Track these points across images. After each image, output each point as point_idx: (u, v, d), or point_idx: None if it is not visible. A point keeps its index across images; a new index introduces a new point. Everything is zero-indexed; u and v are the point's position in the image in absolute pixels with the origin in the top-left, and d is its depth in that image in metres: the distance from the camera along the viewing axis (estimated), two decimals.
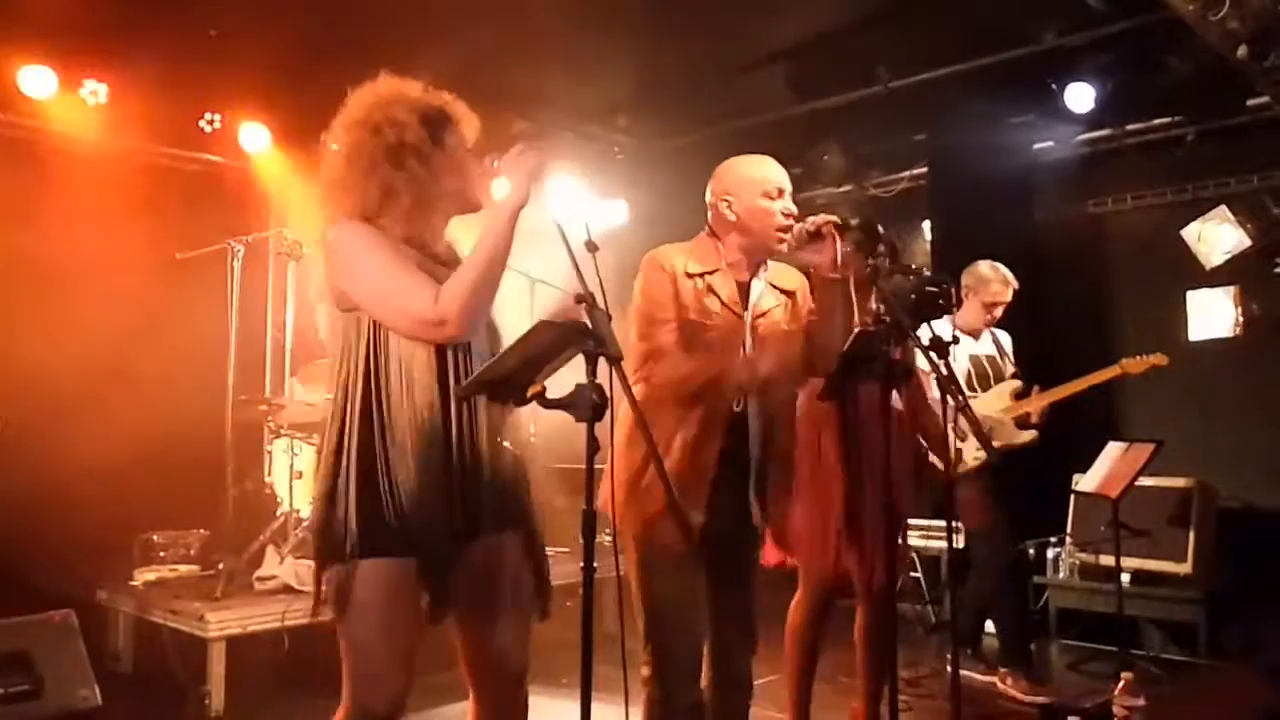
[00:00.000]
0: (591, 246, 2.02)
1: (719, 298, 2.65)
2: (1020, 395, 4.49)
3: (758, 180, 2.71)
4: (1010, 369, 4.59)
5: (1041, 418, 4.43)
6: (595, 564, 1.95)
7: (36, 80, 5.02)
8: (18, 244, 4.88)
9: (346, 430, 2.05)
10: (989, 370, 4.55)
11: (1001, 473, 4.32)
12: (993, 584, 4.50)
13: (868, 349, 2.62)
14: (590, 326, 1.88)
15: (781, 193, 2.70)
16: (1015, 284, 4.48)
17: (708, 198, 2.77)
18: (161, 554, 4.90)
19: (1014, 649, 4.50)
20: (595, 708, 1.99)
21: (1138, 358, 4.44)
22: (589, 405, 1.85)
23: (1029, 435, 4.43)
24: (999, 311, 4.49)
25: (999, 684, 4.44)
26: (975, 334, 4.52)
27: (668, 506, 2.08)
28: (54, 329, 4.71)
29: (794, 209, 2.70)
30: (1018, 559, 4.66)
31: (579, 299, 1.90)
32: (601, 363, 1.91)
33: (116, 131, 5.36)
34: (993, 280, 4.45)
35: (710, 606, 2.69)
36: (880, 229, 2.66)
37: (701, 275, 2.65)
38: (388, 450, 2.03)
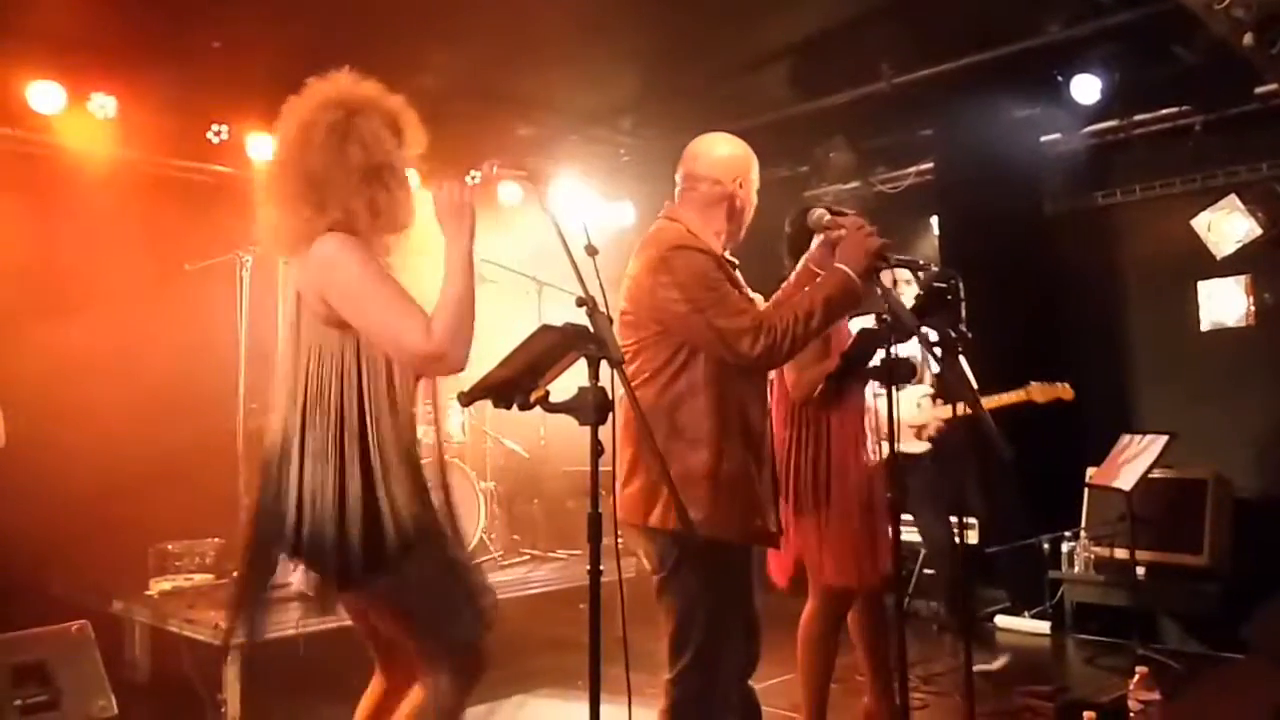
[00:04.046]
0: (591, 250, 2.03)
1: (737, 275, 2.63)
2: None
3: (756, 169, 2.70)
4: (930, 376, 4.62)
5: (938, 433, 4.47)
6: (602, 567, 1.96)
7: (45, 95, 5.05)
8: (29, 258, 4.93)
9: (349, 449, 2.06)
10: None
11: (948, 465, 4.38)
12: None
13: (869, 348, 2.61)
14: (592, 330, 1.88)
15: None
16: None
17: (709, 172, 2.65)
18: (176, 563, 4.92)
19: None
20: (606, 709, 2.00)
21: (1045, 385, 4.48)
22: (592, 409, 1.86)
23: (922, 448, 4.48)
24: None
25: None
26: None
27: (675, 507, 2.10)
28: (66, 341, 4.74)
29: None
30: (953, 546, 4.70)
31: (580, 302, 1.91)
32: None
33: (125, 144, 5.39)
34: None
35: None
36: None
37: (726, 259, 2.61)
38: (384, 466, 2.07)
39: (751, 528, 2.53)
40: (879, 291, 2.55)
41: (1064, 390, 4.45)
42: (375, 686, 2.39)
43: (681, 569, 2.46)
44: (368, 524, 2.04)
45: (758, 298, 2.77)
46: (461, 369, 2.10)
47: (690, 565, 2.44)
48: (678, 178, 2.72)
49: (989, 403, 4.44)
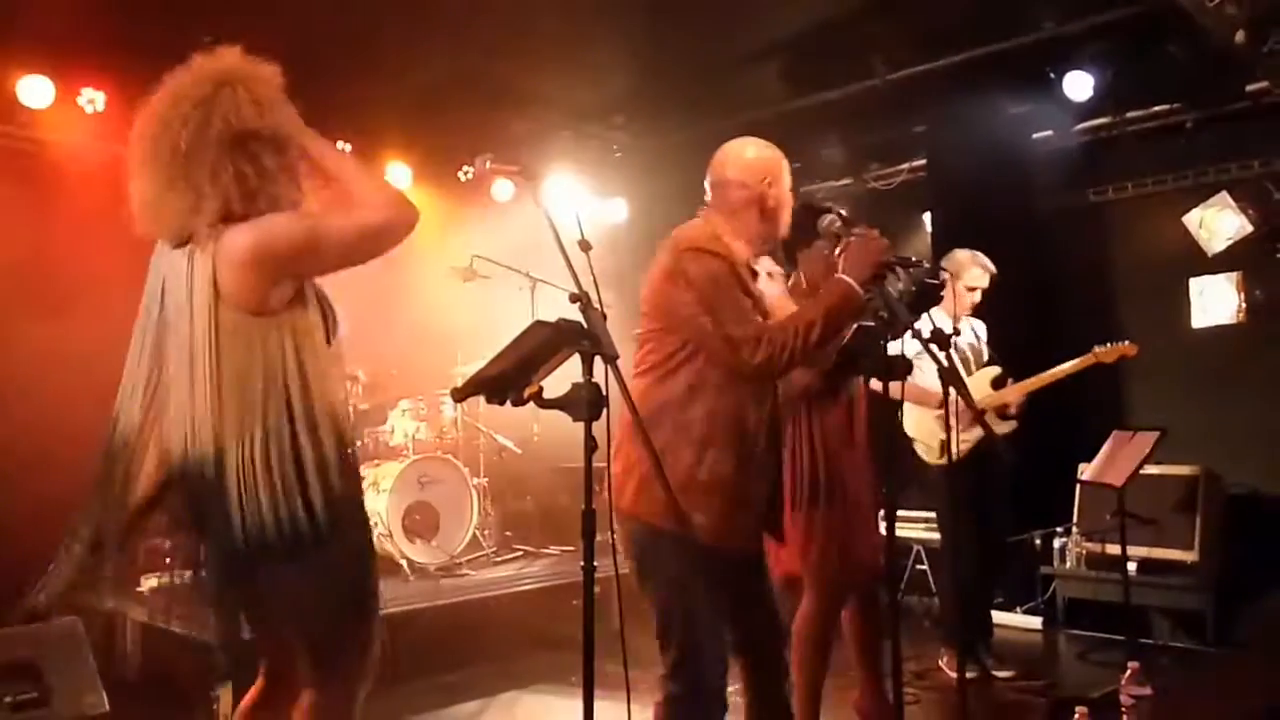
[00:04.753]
0: (584, 245, 2.02)
1: (755, 285, 2.62)
2: (997, 383, 4.51)
3: (786, 169, 2.68)
4: (986, 356, 4.62)
5: (1020, 408, 4.45)
6: (595, 563, 1.96)
7: (34, 90, 5.02)
8: (18, 255, 4.89)
9: (297, 436, 2.03)
10: (970, 357, 4.57)
11: (980, 466, 4.33)
12: (954, 570, 4.65)
13: (866, 343, 2.61)
14: (585, 326, 1.88)
15: None
16: (993, 270, 4.50)
17: (737, 176, 2.62)
18: (168, 559, 4.90)
19: (950, 630, 4.62)
20: (601, 705, 2.00)
21: (1108, 345, 4.45)
22: (586, 405, 1.85)
23: (1008, 426, 4.46)
24: (977, 297, 4.52)
25: (940, 663, 4.58)
26: (954, 321, 4.55)
27: (670, 508, 2.09)
28: (56, 339, 4.72)
29: None
30: (984, 549, 4.60)
31: (574, 298, 1.90)
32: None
33: (115, 140, 5.33)
34: (972, 266, 4.47)
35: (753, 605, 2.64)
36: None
37: (748, 267, 2.60)
38: (337, 451, 2.06)
39: (729, 527, 2.48)
40: (875, 290, 2.55)
41: (1127, 348, 4.43)
42: (253, 692, 2.31)
43: (646, 560, 2.45)
44: (325, 504, 2.03)
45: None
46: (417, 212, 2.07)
47: (659, 559, 2.43)
48: (706, 185, 2.69)
49: (1058, 372, 4.45)
